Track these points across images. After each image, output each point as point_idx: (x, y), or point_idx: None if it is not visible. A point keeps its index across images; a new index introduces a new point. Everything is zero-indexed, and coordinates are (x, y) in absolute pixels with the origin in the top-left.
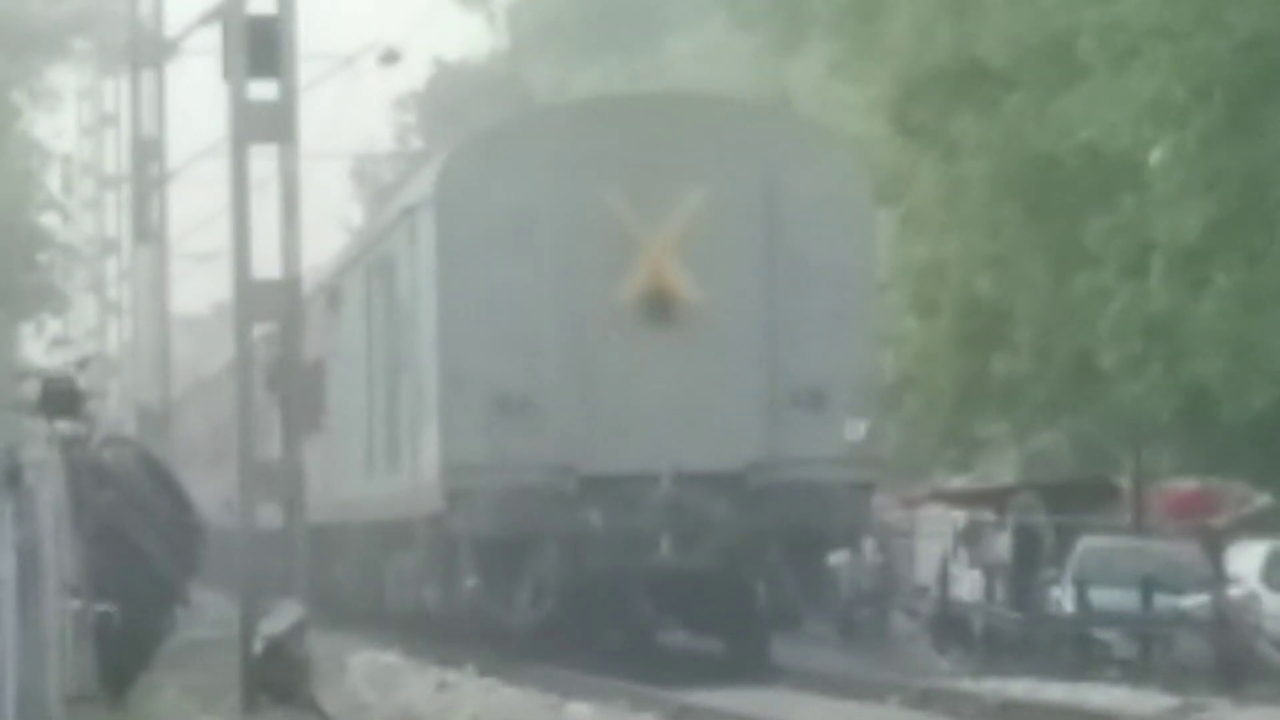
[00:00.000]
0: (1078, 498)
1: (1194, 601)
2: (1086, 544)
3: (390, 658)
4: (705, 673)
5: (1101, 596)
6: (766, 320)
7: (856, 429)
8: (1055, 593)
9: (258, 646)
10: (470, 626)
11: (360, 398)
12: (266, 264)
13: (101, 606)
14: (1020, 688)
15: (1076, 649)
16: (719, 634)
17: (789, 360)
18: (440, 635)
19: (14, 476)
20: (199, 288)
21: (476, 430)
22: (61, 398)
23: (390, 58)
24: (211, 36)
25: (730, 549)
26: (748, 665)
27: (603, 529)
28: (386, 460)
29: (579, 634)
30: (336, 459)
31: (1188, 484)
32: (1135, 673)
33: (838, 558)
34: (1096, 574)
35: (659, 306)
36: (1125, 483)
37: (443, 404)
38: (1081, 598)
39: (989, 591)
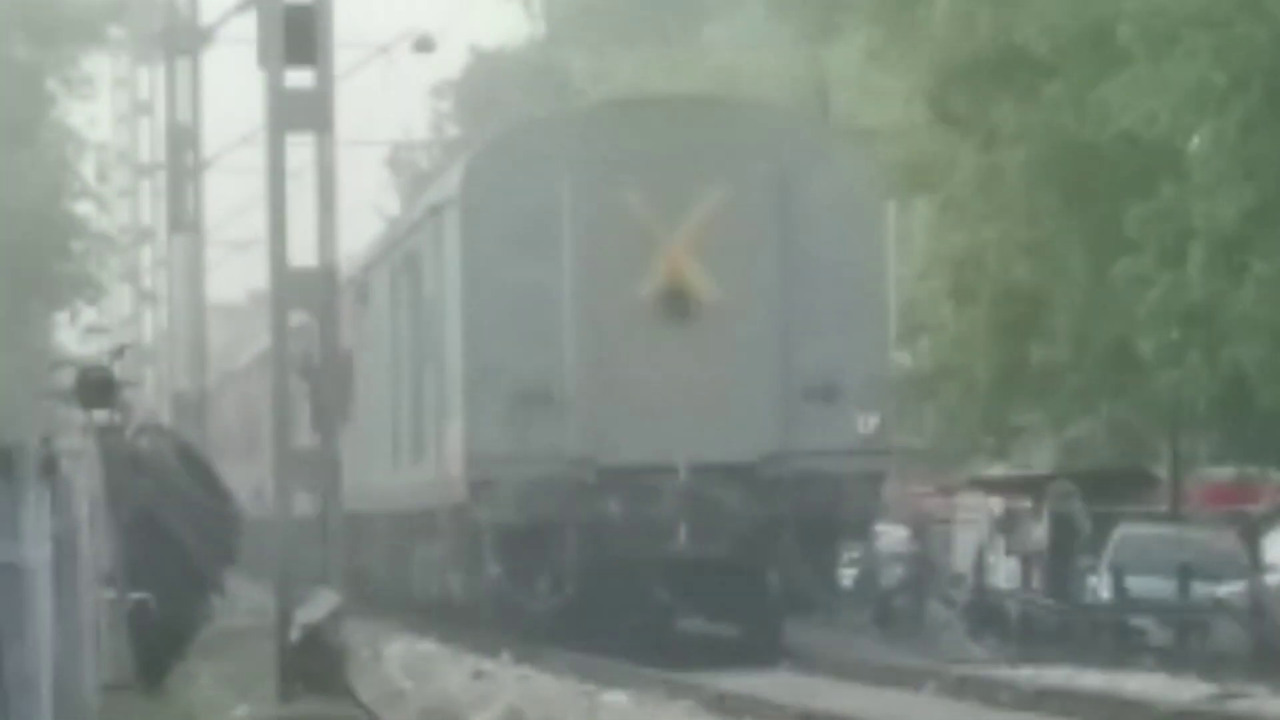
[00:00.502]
0: (1115, 486)
1: (1231, 589)
2: (1123, 532)
3: (426, 646)
4: (725, 658)
5: (1138, 584)
6: (781, 316)
7: (868, 421)
8: (1092, 580)
9: (294, 635)
10: (493, 613)
11: (387, 390)
12: (302, 252)
13: (137, 595)
14: (1056, 675)
15: (1113, 636)
16: (734, 620)
17: (802, 355)
18: (464, 621)
19: (49, 465)
20: (234, 276)
21: (499, 423)
22: (97, 386)
23: (425, 45)
24: (247, 24)
25: (745, 537)
26: (762, 650)
27: (621, 518)
28: (412, 451)
29: (598, 620)
30: (363, 449)
31: (1225, 472)
32: (1172, 660)
33: (874, 546)
34: (1133, 562)
35: (676, 303)
36: (1162, 470)
37: (467, 397)
38: (1118, 585)
39: (1025, 579)
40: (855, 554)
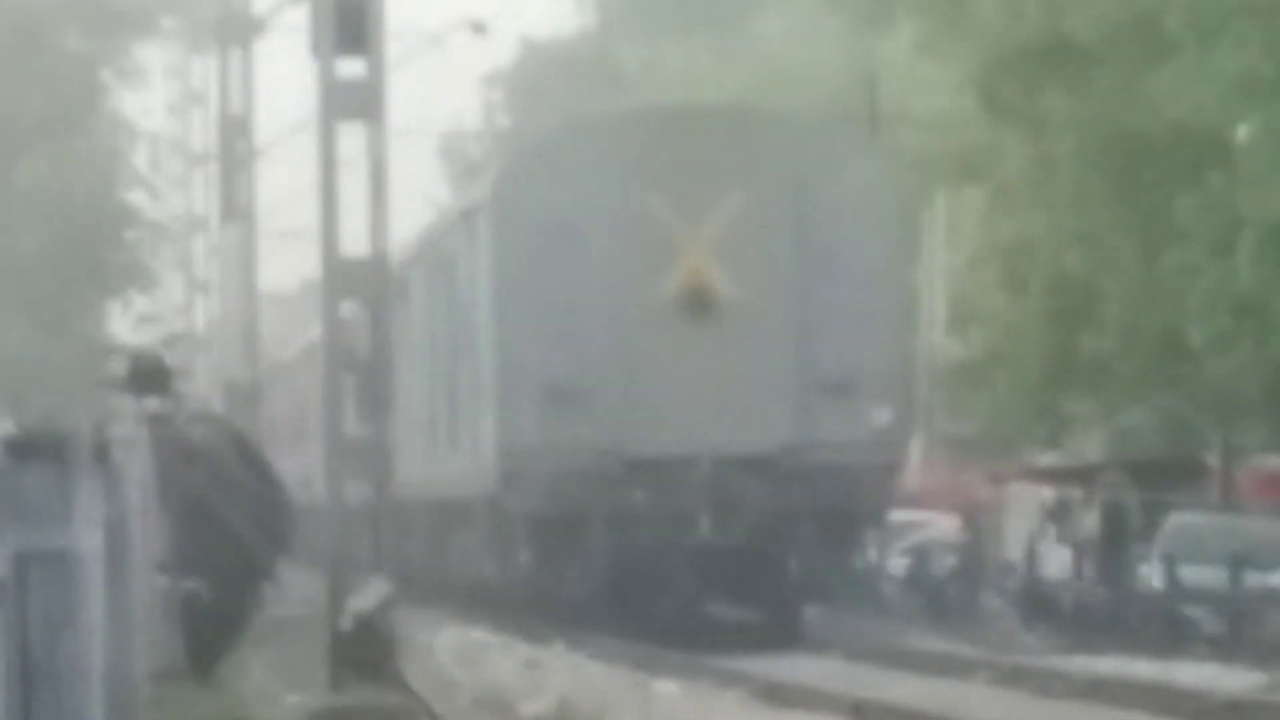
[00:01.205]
0: (1166, 475)
1: None
2: (1175, 521)
3: (477, 634)
4: (748, 641)
5: (1190, 573)
6: (797, 315)
7: (882, 415)
8: (1144, 569)
9: (345, 623)
10: (524, 598)
11: (424, 384)
12: (354, 241)
13: (189, 584)
14: (1108, 664)
15: (1165, 626)
16: (755, 605)
17: (818, 351)
18: (497, 606)
19: (101, 453)
20: (286, 265)
21: (529, 417)
22: (149, 375)
23: (479, 29)
24: (299, 13)
25: (764, 526)
26: (782, 634)
27: (646, 508)
28: (447, 443)
29: (626, 605)
30: (402, 440)
31: (1276, 460)
32: (1224, 649)
33: (926, 536)
34: (1185, 550)
35: (698, 303)
36: (1214, 459)
37: (498, 392)
38: (1170, 574)
39: (1077, 568)
40: (907, 544)
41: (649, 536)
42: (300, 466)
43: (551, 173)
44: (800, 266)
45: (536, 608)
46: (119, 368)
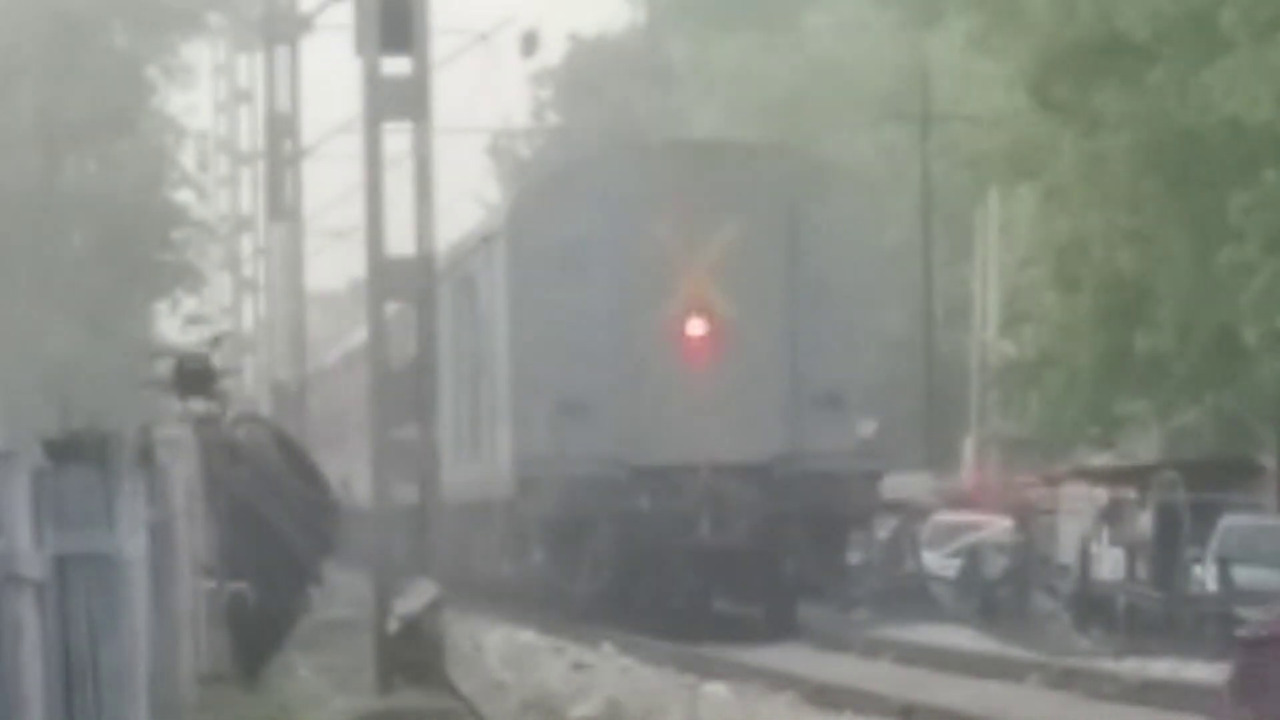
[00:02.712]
0: (1221, 476)
1: None
2: (1229, 522)
3: (525, 637)
4: (747, 634)
5: (1244, 575)
6: (790, 334)
7: (868, 426)
8: (1198, 571)
9: (392, 626)
10: (539, 595)
11: (448, 395)
12: (401, 241)
13: (235, 586)
14: (1162, 667)
15: (1219, 628)
16: (752, 601)
17: (809, 368)
18: (514, 601)
19: (147, 455)
20: (334, 264)
21: (543, 428)
22: (196, 376)
23: (530, 45)
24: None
25: (759, 529)
26: (778, 627)
27: (650, 512)
28: (469, 451)
29: (632, 601)
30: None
31: None
32: None
33: (978, 537)
34: (1239, 552)
35: (698, 323)
36: (1269, 460)
37: (514, 405)
38: (1224, 576)
39: (1131, 570)
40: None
41: (653, 538)
42: (340, 468)
43: (562, 203)
44: (792, 289)
45: (550, 603)
46: (165, 369)
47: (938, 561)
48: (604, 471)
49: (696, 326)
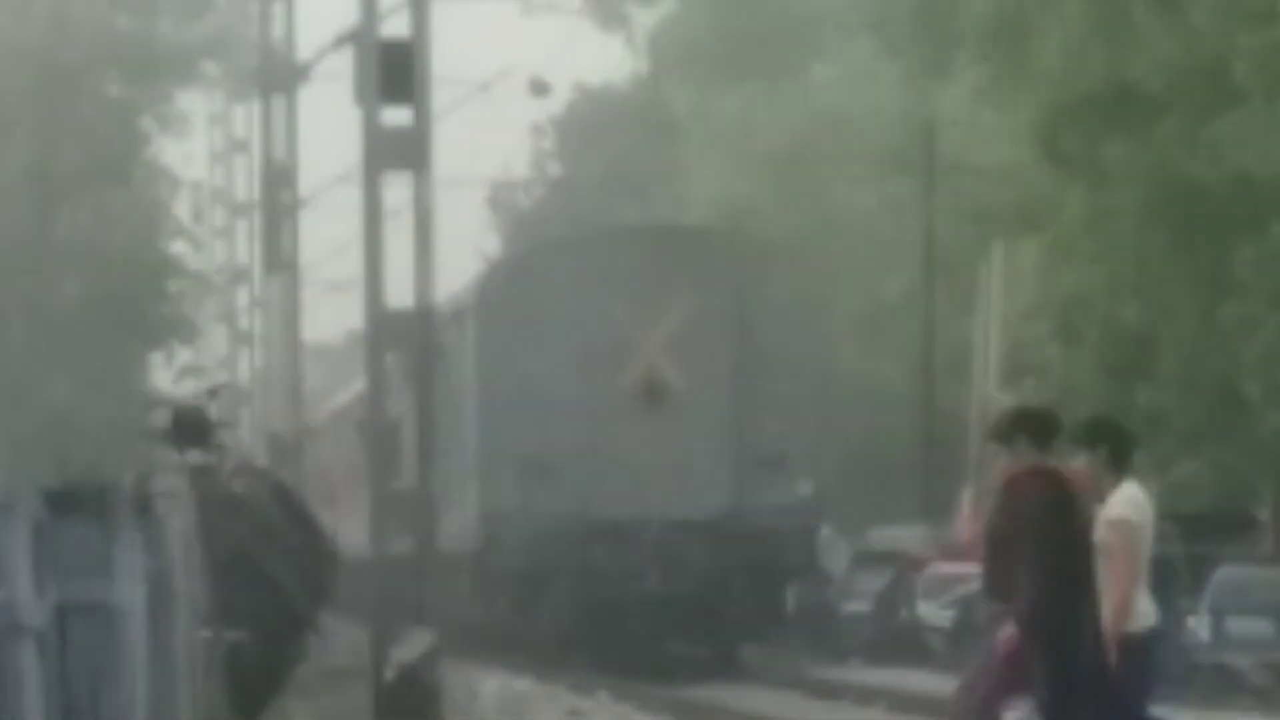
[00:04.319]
0: (1215, 528)
1: None
2: (1224, 574)
3: (522, 684)
4: (695, 673)
5: (1238, 625)
6: (735, 402)
7: (805, 486)
8: (1191, 622)
9: (389, 674)
10: (504, 639)
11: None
12: (400, 293)
13: (233, 635)
14: (1154, 714)
15: (1211, 677)
16: (698, 644)
17: (753, 433)
18: (481, 645)
19: (144, 506)
20: (331, 316)
21: (508, 485)
22: (192, 427)
23: (540, 89)
24: (344, 61)
25: (706, 579)
26: (723, 666)
27: (606, 563)
28: (441, 505)
29: (590, 645)
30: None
31: None
32: (1271, 702)
33: (972, 588)
34: (1233, 603)
35: (652, 392)
36: (1264, 512)
37: (481, 465)
38: (1218, 627)
39: None
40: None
41: (608, 587)
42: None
43: (527, 282)
44: (738, 361)
45: (514, 647)
46: (161, 420)
47: (933, 612)
48: (564, 526)
49: (650, 394)
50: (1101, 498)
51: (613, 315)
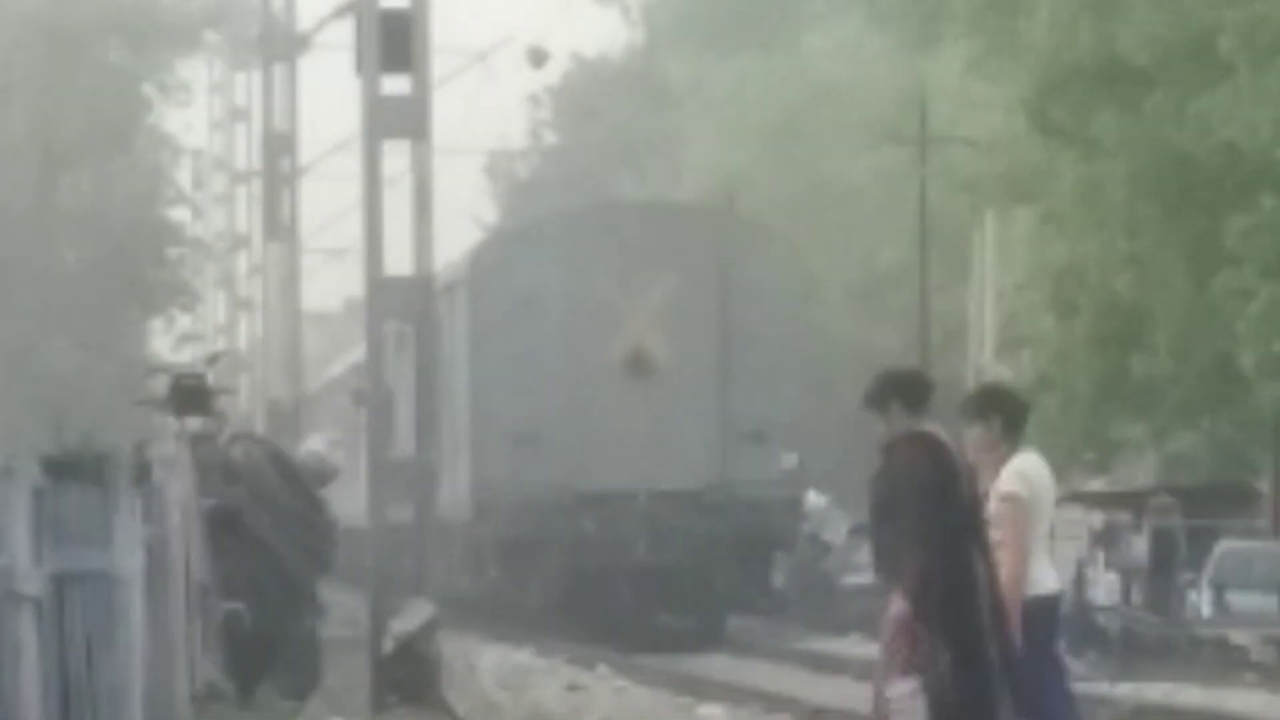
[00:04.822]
0: (1215, 501)
1: None
2: (1225, 547)
3: (521, 657)
4: (681, 644)
5: (1240, 600)
6: (720, 375)
7: (790, 459)
8: (1193, 596)
9: (388, 646)
10: (494, 608)
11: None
12: (398, 260)
13: (230, 605)
14: (1157, 691)
15: (1214, 653)
16: (684, 614)
17: (738, 406)
18: (472, 614)
19: (142, 473)
20: (330, 283)
21: (498, 457)
22: (191, 394)
23: (539, 59)
24: (344, 30)
25: (692, 549)
26: (708, 637)
27: (594, 534)
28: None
29: (578, 614)
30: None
31: None
32: (1272, 677)
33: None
34: (1235, 577)
35: (638, 365)
36: (1264, 485)
37: (473, 437)
38: (1219, 601)
39: (1125, 594)
40: None
41: (596, 557)
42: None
43: (517, 257)
44: (722, 336)
45: (503, 615)
46: (160, 387)
47: None
48: (553, 496)
49: (637, 367)
50: (999, 468)
51: (601, 290)
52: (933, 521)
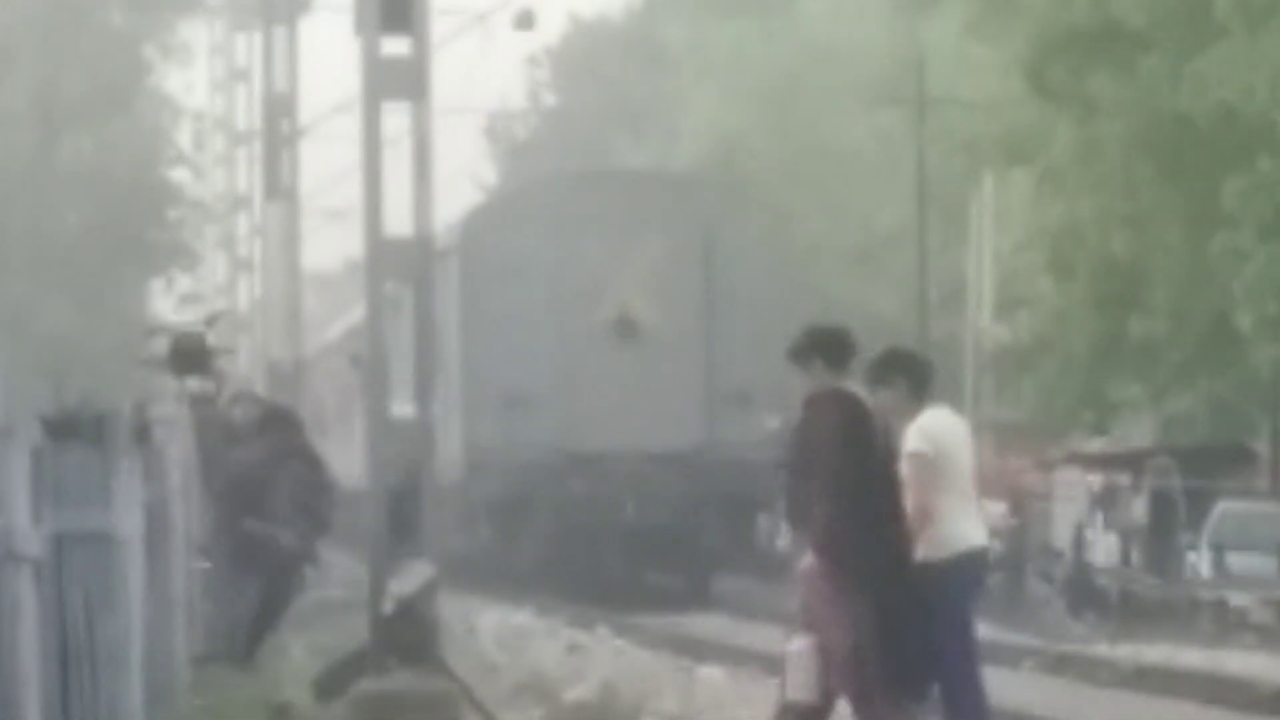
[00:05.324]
0: (1214, 462)
1: None
2: (1224, 508)
3: (520, 619)
4: (667, 603)
5: (1239, 561)
6: (705, 339)
7: (773, 421)
8: (1191, 557)
9: (387, 607)
10: (485, 567)
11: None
12: (398, 221)
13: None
14: (1156, 653)
15: (1213, 614)
16: (671, 573)
17: (723, 369)
18: (462, 574)
19: (142, 433)
20: (330, 244)
21: (489, 419)
22: (191, 354)
23: (525, 23)
24: None
25: (679, 509)
26: (695, 596)
27: (583, 494)
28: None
29: (568, 573)
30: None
31: None
32: (1273, 638)
33: None
34: (1234, 539)
35: (625, 329)
36: (1263, 446)
37: (464, 400)
38: (1218, 562)
39: (1125, 556)
40: None
41: (585, 517)
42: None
43: (507, 223)
44: (708, 301)
45: (495, 574)
46: (161, 347)
47: None
48: (543, 458)
49: (623, 331)
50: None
51: (588, 256)
52: (845, 476)
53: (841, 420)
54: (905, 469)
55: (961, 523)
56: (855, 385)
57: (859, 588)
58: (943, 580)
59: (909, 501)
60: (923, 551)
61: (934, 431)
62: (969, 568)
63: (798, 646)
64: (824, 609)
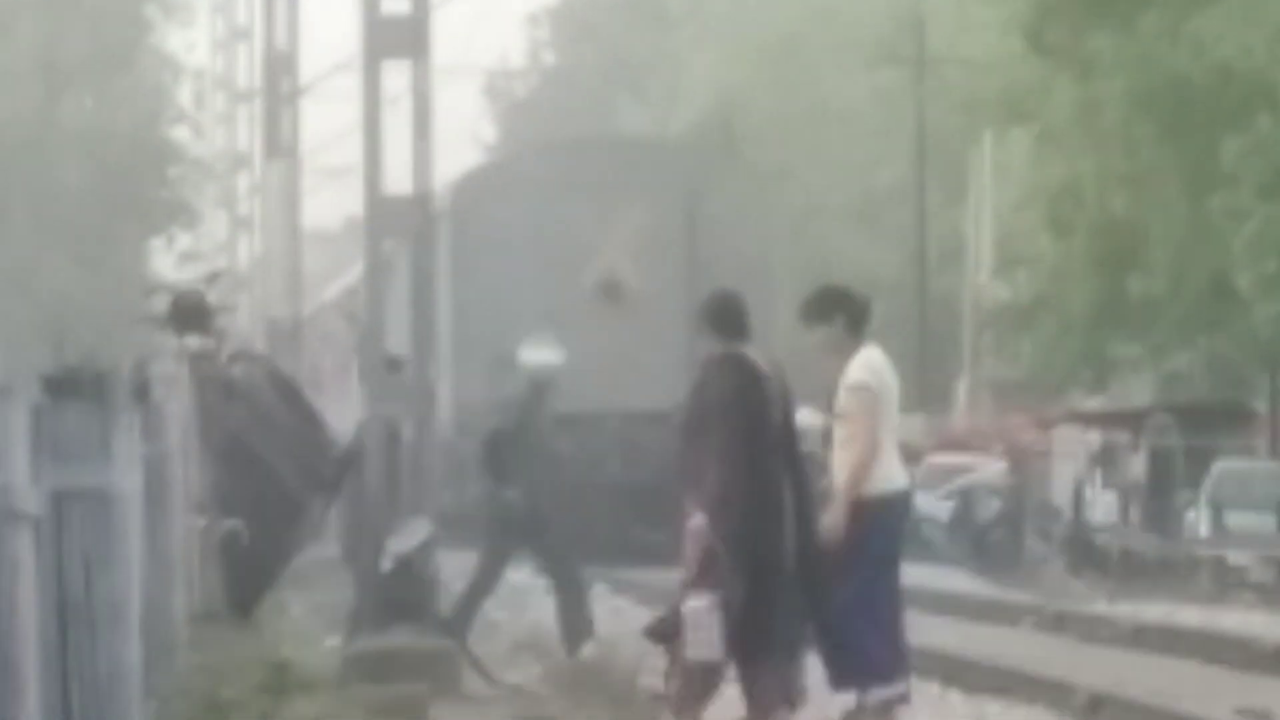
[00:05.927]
0: (1213, 420)
1: None
2: (1222, 467)
3: (519, 577)
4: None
5: (1237, 519)
6: (688, 302)
7: None
8: (1190, 516)
9: (385, 565)
10: (474, 524)
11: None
12: (398, 180)
13: (229, 523)
14: (1155, 611)
15: (1211, 572)
16: (655, 528)
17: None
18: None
19: (142, 391)
20: (330, 203)
21: (478, 380)
22: (191, 312)
23: None
24: None
25: (663, 468)
26: (679, 550)
27: (569, 453)
28: None
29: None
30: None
31: None
32: (1271, 597)
33: (971, 480)
34: (1232, 497)
35: (610, 292)
36: (1261, 405)
37: (454, 362)
38: (1217, 521)
39: (1124, 514)
40: (953, 487)
41: (572, 476)
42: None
43: (496, 190)
44: (691, 264)
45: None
46: (161, 305)
47: (930, 503)
48: None
49: (609, 294)
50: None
51: (574, 221)
52: (739, 441)
53: (737, 384)
54: (847, 399)
55: (889, 464)
56: (754, 351)
57: (747, 550)
58: (865, 518)
59: (858, 434)
60: (850, 488)
61: (877, 367)
62: (895, 508)
63: (697, 604)
64: (709, 569)
